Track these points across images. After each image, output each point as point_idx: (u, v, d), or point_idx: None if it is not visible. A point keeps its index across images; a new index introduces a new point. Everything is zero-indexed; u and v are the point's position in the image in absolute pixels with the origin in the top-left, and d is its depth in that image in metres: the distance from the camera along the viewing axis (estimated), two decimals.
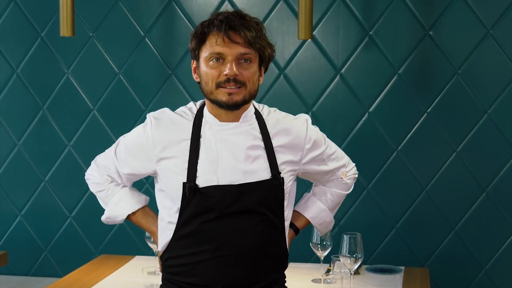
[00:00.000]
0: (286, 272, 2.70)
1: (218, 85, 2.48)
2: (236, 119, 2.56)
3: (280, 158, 2.58)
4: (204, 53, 2.51)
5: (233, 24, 2.47)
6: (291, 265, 3.74)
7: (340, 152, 2.80)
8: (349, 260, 3.12)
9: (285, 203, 2.61)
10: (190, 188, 2.50)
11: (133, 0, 4.67)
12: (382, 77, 4.46)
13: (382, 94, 4.46)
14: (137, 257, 3.95)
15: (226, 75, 2.46)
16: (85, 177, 2.80)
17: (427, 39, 4.40)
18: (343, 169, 2.80)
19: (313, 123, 2.72)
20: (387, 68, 4.45)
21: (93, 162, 2.78)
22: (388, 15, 4.42)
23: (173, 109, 2.64)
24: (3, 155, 4.88)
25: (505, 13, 4.32)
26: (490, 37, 4.35)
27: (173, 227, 2.57)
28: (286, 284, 2.71)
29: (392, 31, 4.44)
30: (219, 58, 2.48)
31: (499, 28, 4.34)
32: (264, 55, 2.54)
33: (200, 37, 2.52)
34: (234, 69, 2.46)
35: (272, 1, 4.52)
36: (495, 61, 4.37)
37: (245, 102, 2.53)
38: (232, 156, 2.52)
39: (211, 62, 2.49)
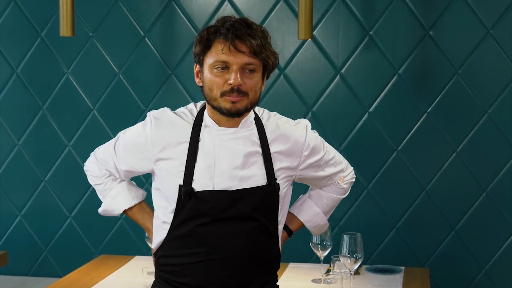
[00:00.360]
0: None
1: (223, 94, 2.48)
2: (236, 124, 2.56)
3: (277, 164, 2.58)
4: (209, 60, 2.50)
5: (239, 33, 2.47)
6: (291, 265, 3.73)
7: (338, 157, 2.78)
8: (349, 260, 3.11)
9: (280, 208, 2.61)
10: (186, 192, 2.50)
11: (133, 0, 4.66)
12: (382, 77, 4.46)
13: (382, 94, 4.46)
14: (137, 257, 3.95)
15: (230, 84, 2.46)
16: (84, 168, 2.81)
17: (427, 39, 4.40)
18: (340, 174, 2.79)
19: (313, 123, 2.72)
20: (387, 68, 4.45)
21: (92, 154, 2.78)
22: (388, 15, 4.42)
23: (173, 109, 2.64)
24: (3, 155, 4.88)
25: (505, 13, 4.32)
26: (490, 37, 4.34)
27: (167, 227, 2.57)
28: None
29: (392, 31, 4.44)
30: (224, 66, 2.48)
31: (499, 28, 4.34)
32: (268, 64, 2.54)
33: (205, 43, 2.51)
34: (239, 79, 2.46)
35: (272, 1, 4.52)
36: (495, 61, 4.36)
37: (246, 111, 2.53)
38: (229, 162, 2.52)
39: (216, 70, 2.49)
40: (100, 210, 2.81)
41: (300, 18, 3.80)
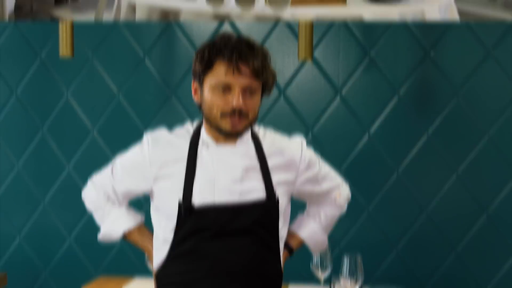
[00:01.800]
0: None
1: (223, 115, 2.50)
2: (233, 141, 2.57)
3: (275, 178, 2.59)
4: (210, 80, 2.51)
5: (242, 55, 2.48)
6: (291, 286, 3.71)
7: (333, 173, 2.81)
8: (349, 281, 3.10)
9: (280, 224, 2.61)
10: (186, 208, 2.50)
11: (133, 21, 4.67)
12: (383, 98, 4.46)
13: (383, 115, 4.46)
14: (137, 278, 3.93)
15: (232, 106, 2.48)
16: (82, 197, 2.81)
17: (428, 60, 4.39)
18: (337, 190, 2.81)
19: (313, 144, 2.74)
20: (388, 89, 4.44)
21: (89, 181, 2.79)
22: (388, 36, 4.42)
23: (173, 130, 2.64)
24: (2, 176, 4.87)
25: (506, 35, 4.32)
26: (491, 59, 4.34)
27: (168, 245, 2.56)
28: None
29: (393, 52, 4.44)
30: (226, 88, 2.49)
31: (500, 50, 4.33)
32: (268, 84, 2.56)
33: (207, 63, 2.52)
34: (241, 101, 2.47)
35: (272, 21, 4.52)
36: (496, 83, 4.36)
37: (246, 130, 2.55)
38: (228, 176, 2.53)
39: (217, 91, 2.50)
40: (99, 236, 2.80)
41: (300, 39, 3.81)
